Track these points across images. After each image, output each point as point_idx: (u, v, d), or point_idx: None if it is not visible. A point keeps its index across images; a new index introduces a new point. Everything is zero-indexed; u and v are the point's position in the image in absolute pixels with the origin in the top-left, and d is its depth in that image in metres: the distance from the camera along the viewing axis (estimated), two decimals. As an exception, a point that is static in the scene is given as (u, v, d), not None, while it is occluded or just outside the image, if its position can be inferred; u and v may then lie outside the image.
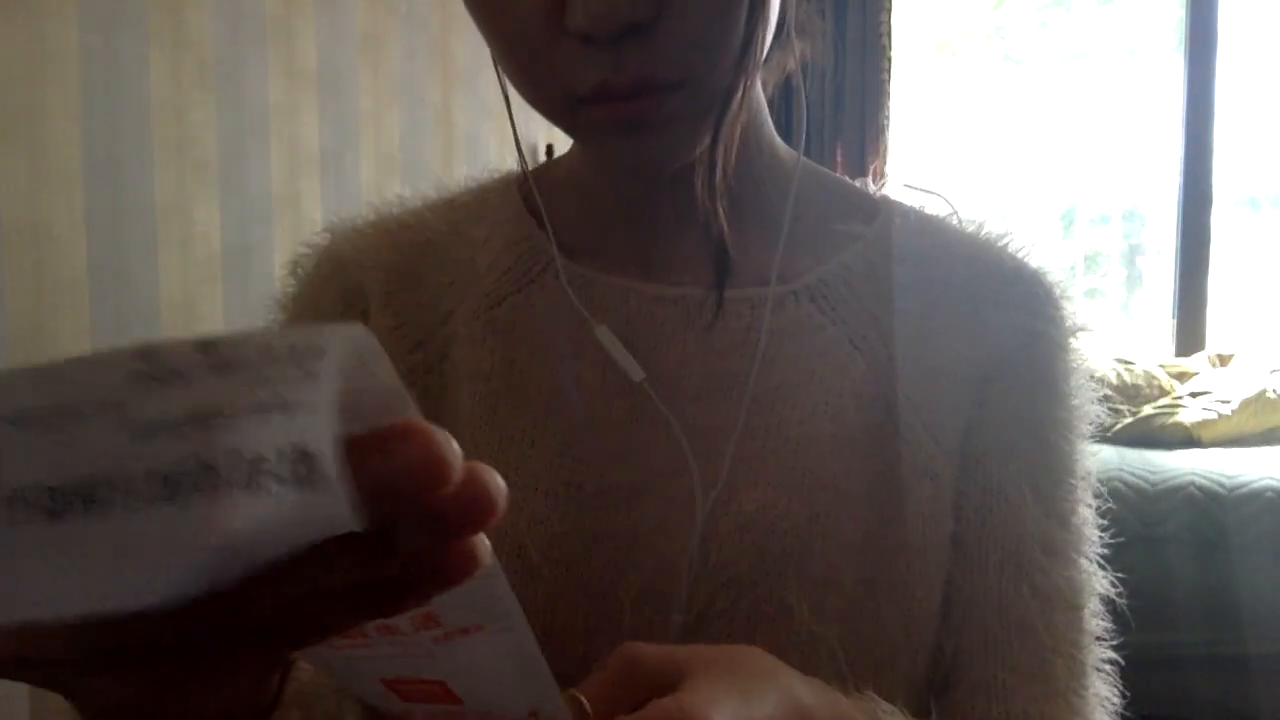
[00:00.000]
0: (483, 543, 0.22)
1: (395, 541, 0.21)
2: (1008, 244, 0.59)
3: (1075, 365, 0.57)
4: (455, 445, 0.20)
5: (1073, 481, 0.56)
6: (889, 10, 3.33)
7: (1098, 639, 0.55)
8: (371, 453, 0.19)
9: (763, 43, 0.47)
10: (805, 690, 0.39)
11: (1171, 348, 3.26)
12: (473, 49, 2.27)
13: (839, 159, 3.36)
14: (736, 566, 0.50)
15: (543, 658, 0.28)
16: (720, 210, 0.50)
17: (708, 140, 0.49)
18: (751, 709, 0.36)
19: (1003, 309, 0.56)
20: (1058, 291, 0.58)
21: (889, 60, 3.35)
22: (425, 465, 0.20)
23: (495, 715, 0.30)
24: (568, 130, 0.50)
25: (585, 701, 0.36)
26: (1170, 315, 3.33)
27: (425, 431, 0.20)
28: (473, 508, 0.21)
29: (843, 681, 0.49)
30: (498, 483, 0.21)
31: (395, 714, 0.31)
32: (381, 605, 0.22)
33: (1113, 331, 3.62)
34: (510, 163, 0.62)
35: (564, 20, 0.44)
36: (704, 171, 0.49)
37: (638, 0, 0.42)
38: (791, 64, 0.56)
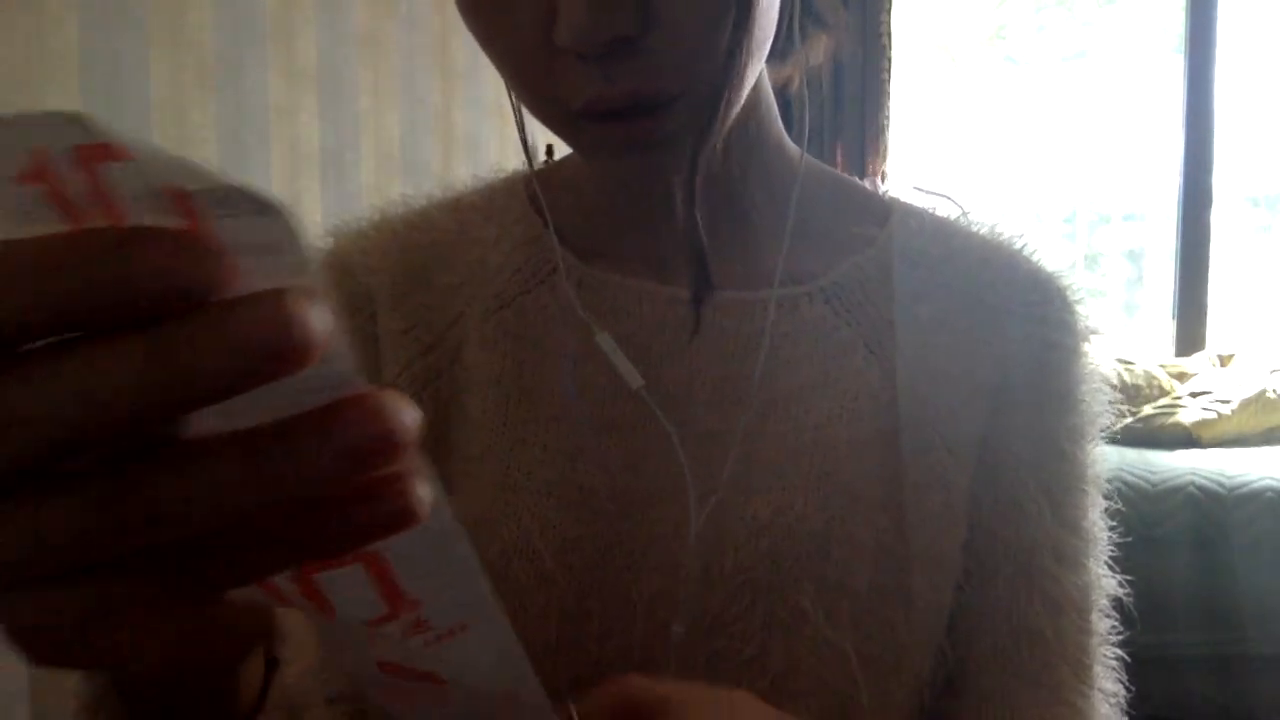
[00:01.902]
0: (419, 494, 0.21)
1: (286, 453, 0.19)
2: (1022, 247, 0.58)
3: (1088, 371, 0.57)
4: (320, 320, 0.18)
5: (1084, 488, 0.55)
6: (889, 10, 3.32)
7: (1104, 637, 0.55)
8: (225, 313, 0.18)
9: (749, 50, 0.45)
10: None
11: (1172, 348, 3.26)
12: (473, 49, 2.26)
13: (839, 159, 3.36)
14: (751, 571, 0.49)
15: (520, 644, 0.28)
16: (699, 221, 0.49)
17: (708, 151, 0.48)
18: None
19: (1016, 316, 0.55)
20: (1071, 297, 0.57)
21: (889, 60, 3.34)
22: (264, 326, 0.17)
23: (481, 694, 0.30)
24: (569, 144, 0.50)
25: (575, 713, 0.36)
26: (1170, 315, 3.32)
27: (279, 296, 0.18)
28: (367, 431, 0.19)
29: (854, 686, 0.49)
30: (403, 406, 0.20)
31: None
32: (308, 545, 0.21)
33: (1113, 331, 3.62)
34: (511, 162, 0.62)
35: (553, 36, 0.43)
36: (683, 185, 0.48)
37: (622, 13, 0.42)
38: (820, 58, 0.55)
